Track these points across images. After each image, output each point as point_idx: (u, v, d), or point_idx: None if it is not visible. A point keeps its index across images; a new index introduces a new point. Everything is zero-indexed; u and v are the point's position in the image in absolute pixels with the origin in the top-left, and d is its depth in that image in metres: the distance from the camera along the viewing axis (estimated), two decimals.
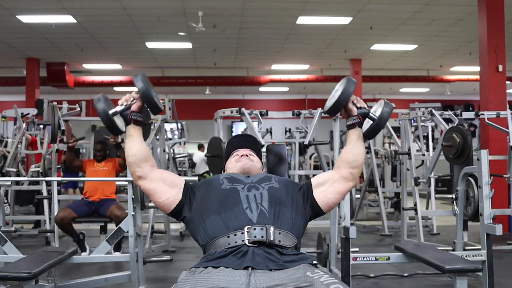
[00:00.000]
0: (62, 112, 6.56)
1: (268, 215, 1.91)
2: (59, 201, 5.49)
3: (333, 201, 2.09)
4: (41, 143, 6.65)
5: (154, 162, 2.10)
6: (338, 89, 2.09)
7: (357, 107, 2.09)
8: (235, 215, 1.90)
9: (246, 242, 1.82)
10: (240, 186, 2.02)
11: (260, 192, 1.99)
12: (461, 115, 5.62)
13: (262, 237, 1.82)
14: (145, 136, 4.99)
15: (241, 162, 2.21)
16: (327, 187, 2.09)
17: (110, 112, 2.01)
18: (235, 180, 2.07)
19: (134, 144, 2.05)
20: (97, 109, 2.02)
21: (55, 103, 5.55)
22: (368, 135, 2.14)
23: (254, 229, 1.84)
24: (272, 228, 1.85)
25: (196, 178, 3.88)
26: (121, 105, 2.04)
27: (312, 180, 2.13)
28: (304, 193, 2.08)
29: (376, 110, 2.11)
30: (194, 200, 2.04)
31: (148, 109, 2.11)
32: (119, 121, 2.06)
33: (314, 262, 1.84)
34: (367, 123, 2.13)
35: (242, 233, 1.84)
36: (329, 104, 2.11)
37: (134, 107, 2.04)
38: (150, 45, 10.67)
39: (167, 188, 2.05)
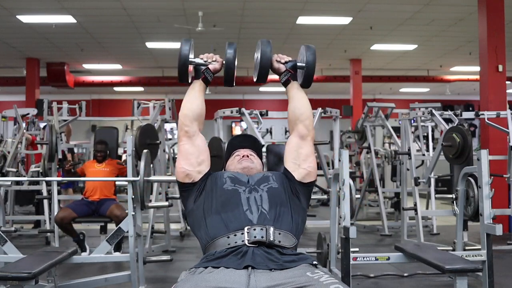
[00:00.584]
0: (62, 113, 6.60)
1: (269, 216, 1.91)
2: (59, 201, 5.49)
3: (311, 167, 2.10)
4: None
5: (202, 126, 2.10)
6: (256, 56, 2.10)
7: (283, 63, 2.11)
8: (235, 216, 1.90)
9: (246, 242, 1.82)
10: (241, 188, 2.02)
11: (260, 194, 1.99)
12: (461, 115, 5.61)
13: (262, 237, 1.83)
14: (153, 156, 5.00)
15: (242, 164, 2.21)
16: (299, 161, 2.09)
17: (190, 58, 2.05)
18: (237, 181, 2.07)
19: (195, 99, 2.07)
20: (181, 50, 2.03)
21: (53, 119, 5.57)
22: (305, 83, 2.15)
23: (254, 229, 1.85)
24: (272, 229, 1.86)
25: None
26: (201, 59, 2.08)
27: (285, 165, 2.13)
28: (290, 184, 2.08)
29: (301, 57, 2.13)
30: (203, 192, 2.04)
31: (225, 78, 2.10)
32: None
33: (314, 262, 1.84)
34: (300, 73, 2.14)
35: (242, 233, 1.85)
36: (255, 72, 2.12)
37: (211, 66, 2.08)
38: (150, 45, 10.67)
39: (194, 163, 2.05)
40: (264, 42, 2.08)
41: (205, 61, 2.08)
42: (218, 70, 2.10)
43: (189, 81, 2.11)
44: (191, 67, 2.10)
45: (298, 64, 2.12)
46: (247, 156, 2.25)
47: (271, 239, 1.83)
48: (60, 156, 5.60)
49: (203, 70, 2.07)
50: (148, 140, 4.96)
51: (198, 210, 2.00)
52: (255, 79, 2.14)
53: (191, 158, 2.05)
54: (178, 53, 2.03)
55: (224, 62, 2.08)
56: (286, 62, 2.11)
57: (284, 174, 2.12)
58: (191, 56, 2.06)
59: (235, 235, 1.85)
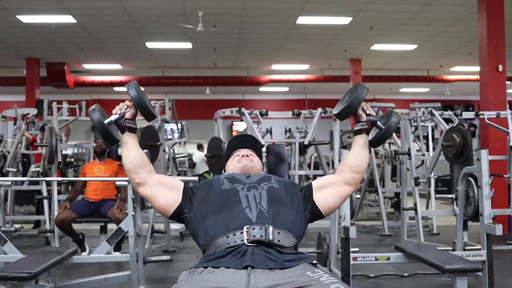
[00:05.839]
0: (62, 113, 6.60)
1: (267, 215, 1.91)
2: (59, 201, 5.49)
3: (333, 205, 2.10)
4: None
5: (152, 168, 2.11)
6: (349, 94, 2.10)
7: (366, 114, 2.11)
8: (234, 215, 1.90)
9: (245, 241, 1.82)
10: (240, 186, 2.03)
11: (259, 192, 2.00)
12: (461, 115, 5.61)
13: (261, 236, 1.83)
14: (154, 158, 4.99)
15: (241, 163, 2.22)
16: (328, 190, 2.10)
17: (106, 121, 2.04)
18: (235, 180, 2.08)
19: (130, 151, 2.07)
20: (93, 120, 2.05)
21: (53, 124, 5.57)
22: (374, 143, 2.17)
23: (253, 228, 1.84)
24: (271, 228, 1.86)
25: (196, 178, 3.89)
26: (115, 113, 2.07)
27: (313, 182, 2.14)
28: (305, 195, 2.09)
29: (384, 119, 2.14)
30: (194, 200, 2.05)
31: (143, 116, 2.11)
32: (114, 130, 2.09)
33: (314, 261, 1.84)
34: (374, 131, 2.15)
35: (241, 232, 1.84)
36: (339, 107, 2.12)
37: (128, 115, 2.07)
38: (150, 45, 10.68)
39: (165, 192, 2.05)
40: (363, 86, 2.08)
41: (120, 114, 2.06)
42: (136, 112, 2.08)
43: (119, 139, 2.12)
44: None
45: (379, 123, 2.12)
46: (247, 155, 2.25)
47: (270, 238, 1.83)
48: (60, 160, 5.59)
49: (123, 123, 2.06)
50: (149, 141, 4.95)
51: (195, 215, 2.00)
52: (335, 112, 2.15)
53: (159, 194, 2.06)
54: (94, 123, 2.05)
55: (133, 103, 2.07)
56: (368, 114, 2.11)
57: (306, 187, 2.11)
58: (105, 119, 2.05)
59: (234, 234, 1.85)
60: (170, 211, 2.05)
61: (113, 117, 2.06)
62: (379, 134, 2.13)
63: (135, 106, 2.05)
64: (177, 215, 2.05)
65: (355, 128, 2.13)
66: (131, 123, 2.07)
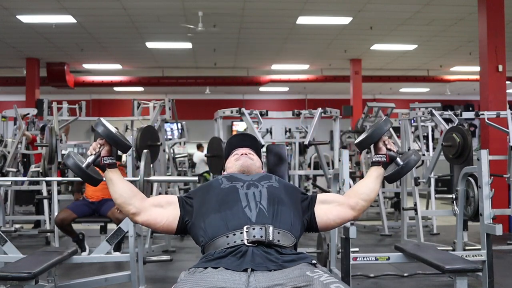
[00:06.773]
0: (62, 113, 6.60)
1: (267, 214, 1.90)
2: (59, 201, 5.49)
3: (330, 223, 2.09)
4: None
5: (142, 195, 2.09)
6: (373, 126, 2.13)
7: (387, 148, 2.11)
8: (234, 214, 1.90)
9: (245, 241, 1.81)
10: (239, 184, 2.03)
11: (259, 190, 1.99)
12: (461, 115, 5.60)
13: (261, 236, 1.82)
14: (154, 158, 5.00)
15: (240, 160, 2.22)
16: (331, 207, 2.08)
17: (84, 165, 2.03)
18: (234, 178, 2.08)
19: (116, 186, 2.06)
20: (69, 167, 2.05)
21: (53, 124, 5.57)
22: (389, 178, 2.17)
23: (253, 228, 1.84)
24: (271, 228, 1.85)
25: (196, 178, 3.88)
26: (91, 154, 2.06)
27: (318, 195, 2.14)
28: (308, 203, 2.08)
29: (404, 157, 2.14)
30: (194, 204, 2.04)
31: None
32: (94, 171, 2.10)
33: (314, 261, 1.84)
34: (391, 167, 2.15)
35: (241, 232, 1.84)
36: (361, 138, 2.13)
37: (103, 152, 2.06)
38: (150, 45, 10.68)
39: (162, 210, 2.03)
40: (387, 120, 2.11)
41: (95, 154, 2.06)
42: (110, 148, 2.08)
43: (101, 178, 2.12)
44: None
45: (398, 159, 2.12)
46: (246, 154, 2.25)
47: (271, 239, 1.83)
48: (60, 159, 5.60)
49: (101, 161, 2.05)
50: (149, 141, 4.95)
51: (196, 217, 2.00)
52: (356, 141, 2.17)
53: (157, 215, 2.04)
54: (71, 169, 2.07)
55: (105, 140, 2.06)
56: (389, 149, 2.12)
57: (311, 197, 2.11)
58: (82, 163, 2.04)
59: (234, 234, 1.84)
60: (173, 227, 2.03)
61: (89, 159, 2.06)
62: (395, 170, 2.12)
63: (107, 142, 2.05)
64: (181, 227, 2.03)
65: (373, 159, 2.13)
66: (109, 159, 2.06)
